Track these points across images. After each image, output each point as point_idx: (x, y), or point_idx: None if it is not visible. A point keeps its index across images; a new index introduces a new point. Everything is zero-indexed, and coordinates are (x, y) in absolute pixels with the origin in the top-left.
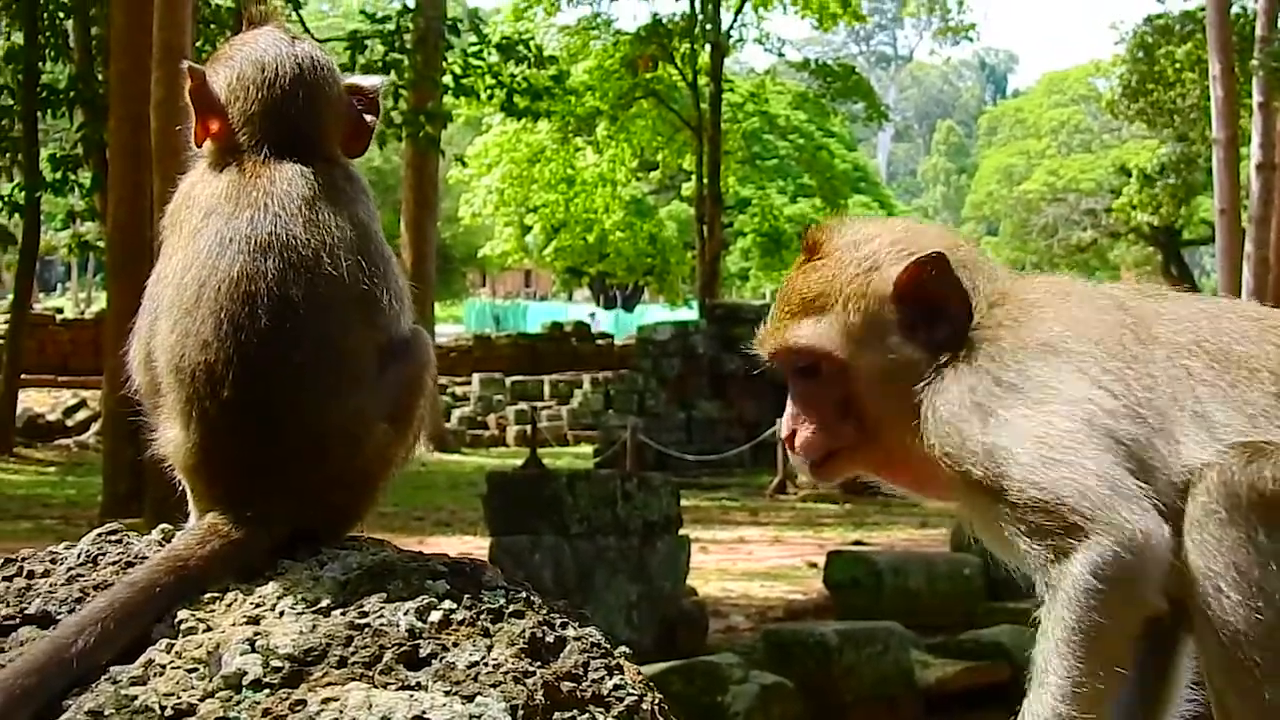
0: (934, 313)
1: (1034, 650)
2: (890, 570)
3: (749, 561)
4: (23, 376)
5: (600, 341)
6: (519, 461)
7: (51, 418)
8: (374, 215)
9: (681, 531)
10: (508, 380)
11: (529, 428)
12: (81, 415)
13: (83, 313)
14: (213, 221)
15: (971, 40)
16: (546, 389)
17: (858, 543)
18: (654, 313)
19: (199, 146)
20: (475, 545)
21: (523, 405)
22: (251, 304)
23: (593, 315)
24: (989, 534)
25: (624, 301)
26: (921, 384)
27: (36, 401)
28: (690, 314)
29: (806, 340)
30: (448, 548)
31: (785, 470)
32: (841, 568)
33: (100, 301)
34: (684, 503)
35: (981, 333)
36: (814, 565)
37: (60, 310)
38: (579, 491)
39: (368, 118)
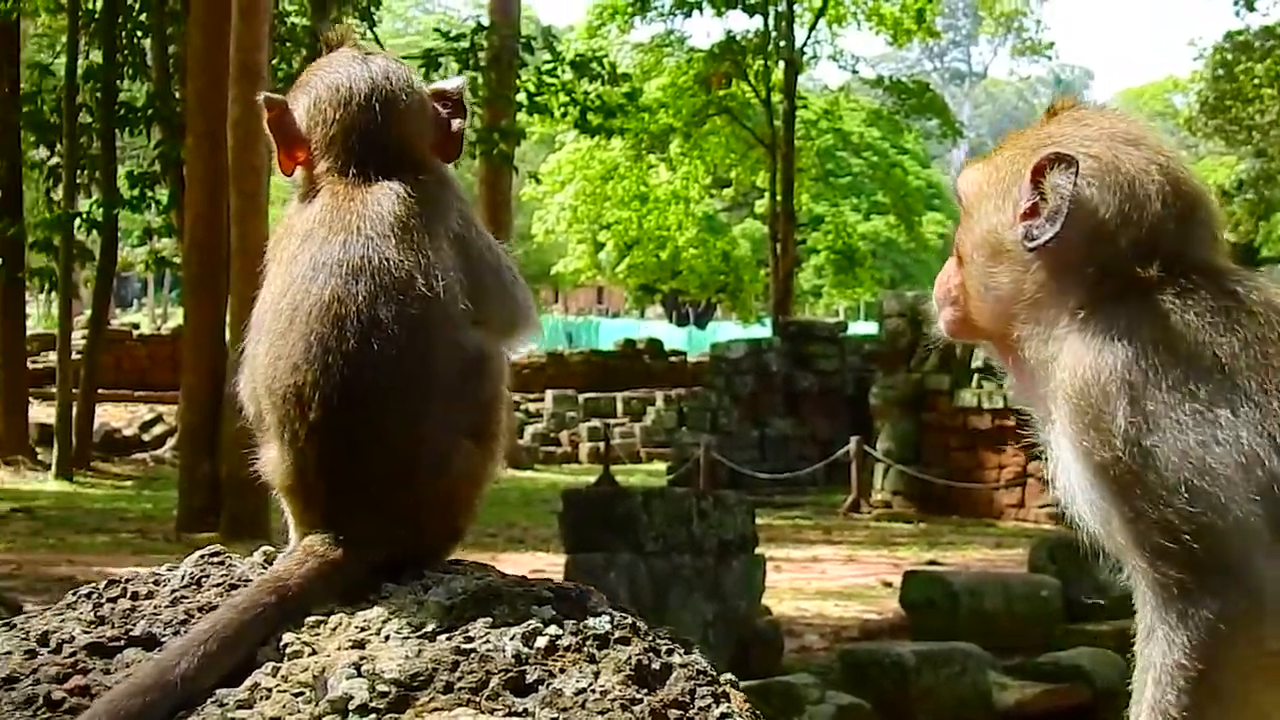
0: (1048, 214)
1: (1137, 683)
2: (966, 591)
3: (823, 580)
4: (100, 391)
5: (673, 359)
6: (592, 478)
7: (128, 432)
8: (470, 220)
9: (756, 550)
10: (580, 397)
11: (602, 445)
12: (158, 430)
13: (159, 328)
14: (307, 247)
15: (1049, 58)
16: (619, 406)
17: (932, 562)
18: (727, 330)
19: (288, 176)
20: (549, 562)
21: (596, 422)
22: (340, 327)
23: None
24: (1084, 502)
25: (697, 319)
26: (1053, 307)
27: (113, 416)
28: (763, 331)
29: (961, 178)
30: (521, 564)
31: (859, 489)
32: (917, 588)
33: (176, 317)
34: (758, 521)
35: (1166, 303)
36: (888, 585)
37: (137, 326)
38: (654, 509)
39: (455, 122)
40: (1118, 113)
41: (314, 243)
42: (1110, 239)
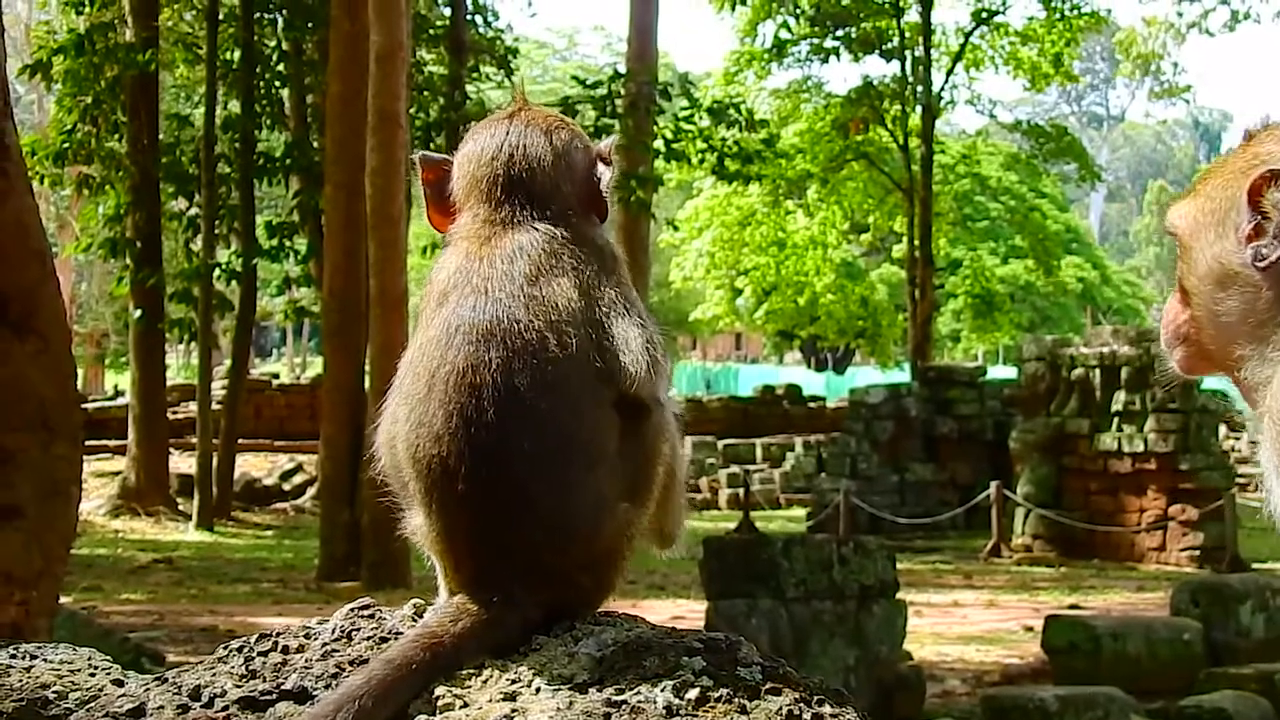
0: (1274, 231)
1: None
2: (1109, 635)
3: (964, 625)
4: (240, 441)
5: (812, 404)
6: (731, 524)
7: (268, 482)
8: (607, 280)
9: (897, 595)
10: (720, 443)
11: (741, 491)
12: (298, 479)
13: (298, 378)
14: (443, 309)
15: (1187, 101)
16: (759, 452)
17: (1073, 606)
18: (865, 375)
19: (441, 233)
20: (689, 609)
21: (735, 468)
22: (478, 395)
23: None
24: None
25: (835, 364)
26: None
27: (253, 466)
28: (902, 376)
29: (1171, 216)
30: (662, 611)
31: (999, 533)
32: (1059, 632)
33: (315, 366)
34: (898, 566)
35: None
36: (1030, 629)
37: (276, 375)
38: (795, 556)
39: (603, 180)
40: None
41: (448, 305)
42: None
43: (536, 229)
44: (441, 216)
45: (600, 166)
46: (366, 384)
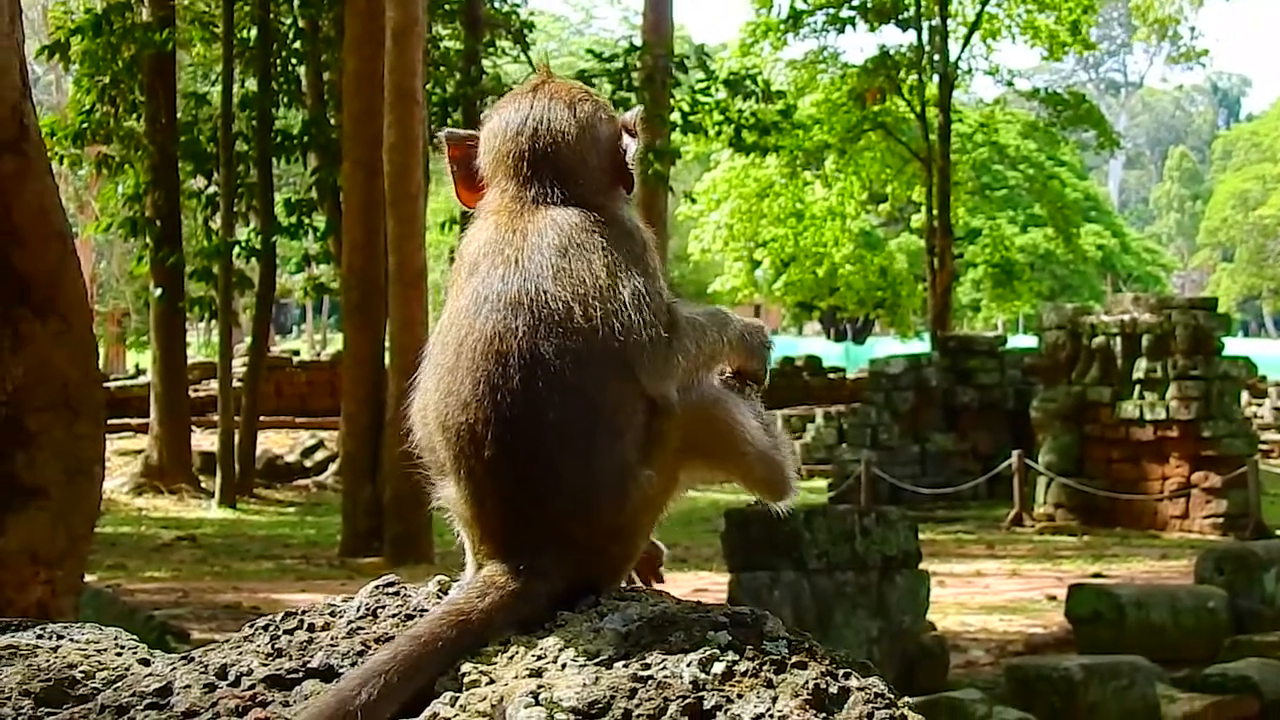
0: None
1: None
2: (1133, 603)
3: (986, 595)
4: (261, 418)
5: (832, 375)
6: (753, 497)
7: (290, 459)
8: (636, 258)
9: (920, 566)
10: None
11: None
12: (319, 456)
13: (318, 354)
14: (472, 280)
15: (1204, 65)
16: (779, 423)
17: (1097, 575)
18: (885, 346)
19: (469, 208)
20: (712, 581)
21: None
22: (504, 363)
23: None
24: None
25: (855, 335)
26: None
27: (275, 443)
28: (922, 346)
29: None
30: (684, 584)
31: (1021, 502)
32: (1083, 601)
33: (335, 343)
34: (920, 536)
35: None
36: (1053, 598)
37: (296, 352)
38: (817, 527)
39: (628, 152)
40: None
41: (478, 276)
42: None
43: (568, 205)
44: (469, 193)
45: (625, 138)
46: (386, 360)
